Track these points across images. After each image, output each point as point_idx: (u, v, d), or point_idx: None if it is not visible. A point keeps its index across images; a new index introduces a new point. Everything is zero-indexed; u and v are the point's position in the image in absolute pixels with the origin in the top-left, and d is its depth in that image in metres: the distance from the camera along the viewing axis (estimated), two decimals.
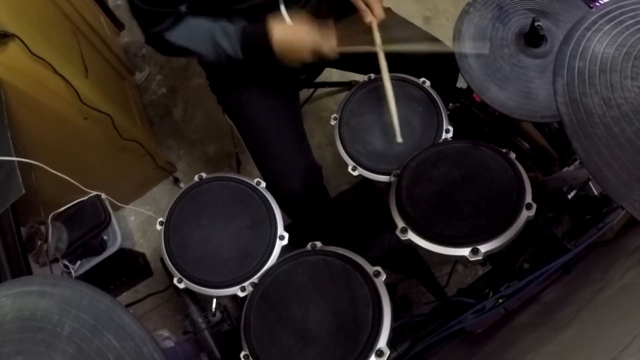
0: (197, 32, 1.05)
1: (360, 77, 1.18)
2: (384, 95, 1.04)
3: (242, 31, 1.04)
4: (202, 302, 1.08)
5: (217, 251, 0.99)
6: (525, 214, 0.84)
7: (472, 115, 1.16)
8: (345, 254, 0.90)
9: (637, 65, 0.60)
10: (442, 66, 1.17)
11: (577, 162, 0.97)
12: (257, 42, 1.03)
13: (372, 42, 1.05)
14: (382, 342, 0.78)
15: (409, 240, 0.88)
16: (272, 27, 1.02)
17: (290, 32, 1.03)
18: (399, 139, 1.02)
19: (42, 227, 1.31)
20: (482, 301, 0.92)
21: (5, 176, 0.96)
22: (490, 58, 0.98)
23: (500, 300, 0.93)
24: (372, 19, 1.06)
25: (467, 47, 0.98)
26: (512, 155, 0.93)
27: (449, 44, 1.05)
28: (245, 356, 0.84)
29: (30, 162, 1.04)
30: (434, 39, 1.22)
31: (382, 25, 1.07)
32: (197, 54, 1.08)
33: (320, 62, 1.08)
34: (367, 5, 1.06)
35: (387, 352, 0.77)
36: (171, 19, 1.03)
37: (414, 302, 1.39)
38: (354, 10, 1.09)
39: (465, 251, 0.83)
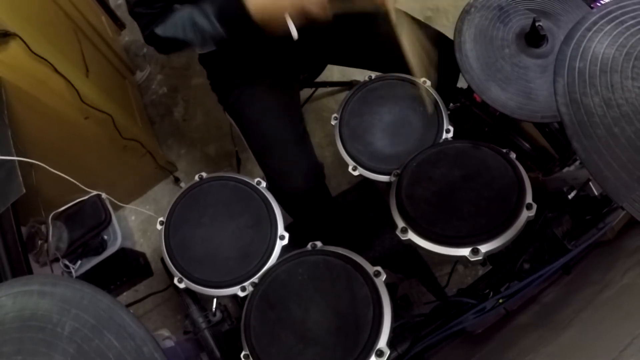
0: (180, 19, 1.01)
1: (361, 77, 1.18)
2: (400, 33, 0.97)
3: (217, 4, 0.98)
4: (203, 301, 1.08)
5: (218, 251, 0.99)
6: (525, 214, 0.84)
7: (473, 115, 1.16)
8: (345, 253, 0.90)
9: (638, 65, 0.60)
10: (443, 66, 1.17)
11: (577, 163, 0.97)
12: (232, 10, 0.97)
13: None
14: (382, 342, 0.78)
15: (409, 240, 0.88)
16: None
17: None
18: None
19: (43, 227, 1.31)
20: (483, 301, 0.92)
21: (6, 175, 0.96)
22: (491, 58, 0.98)
23: (501, 301, 0.93)
24: None
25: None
26: (513, 156, 0.93)
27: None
28: (246, 356, 0.84)
29: (31, 162, 1.04)
30: (435, 31, 1.22)
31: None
32: (186, 43, 1.03)
33: (314, 30, 0.98)
34: None
35: (387, 352, 0.76)
36: (164, 15, 1.02)
37: (414, 302, 1.39)
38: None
39: (465, 251, 0.83)
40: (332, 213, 1.47)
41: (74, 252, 1.51)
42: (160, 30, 1.02)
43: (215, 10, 0.99)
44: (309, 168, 1.20)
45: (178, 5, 1.03)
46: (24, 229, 1.29)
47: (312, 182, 1.21)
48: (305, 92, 1.87)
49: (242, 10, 0.96)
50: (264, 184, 1.06)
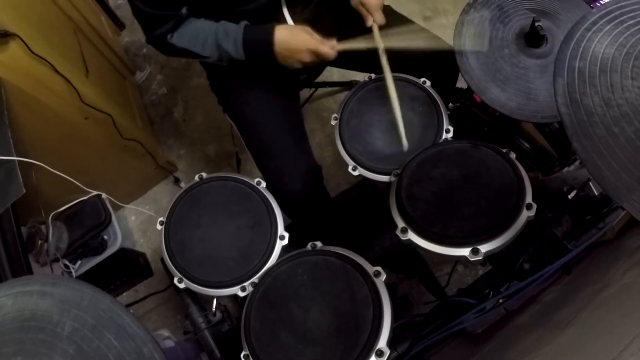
0: (199, 33, 1.08)
1: (361, 77, 1.19)
2: (388, 100, 1.05)
3: (244, 31, 1.07)
4: (203, 302, 1.08)
5: (218, 251, 0.99)
6: (525, 214, 0.84)
7: (473, 115, 1.16)
8: (345, 253, 0.90)
9: (638, 65, 0.60)
10: (442, 66, 1.17)
11: (577, 162, 0.97)
12: (259, 42, 1.07)
13: (372, 43, 1.07)
14: (382, 342, 0.78)
15: (409, 240, 0.88)
16: (274, 28, 1.05)
17: (290, 32, 1.07)
18: (405, 145, 1.03)
19: (43, 227, 1.31)
20: (483, 301, 0.92)
21: (6, 176, 0.96)
22: (491, 58, 0.98)
23: (501, 301, 0.93)
24: (373, 24, 1.09)
25: (467, 45, 1.00)
26: (512, 155, 0.93)
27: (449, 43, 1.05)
28: (246, 356, 0.84)
29: (31, 162, 1.04)
30: (434, 37, 1.22)
31: (382, 25, 1.08)
32: (200, 56, 1.10)
33: (321, 63, 1.10)
34: (368, 11, 1.09)
35: (387, 352, 0.77)
36: (173, 21, 1.06)
37: (414, 302, 1.39)
38: (354, 13, 1.12)
39: (465, 251, 0.83)
40: (330, 215, 1.47)
41: (74, 252, 1.51)
42: (173, 39, 1.08)
43: (241, 34, 1.07)
44: (306, 170, 1.20)
45: (185, 10, 1.07)
46: (24, 229, 1.30)
47: (310, 184, 1.21)
48: (305, 93, 1.87)
49: (268, 40, 1.05)
50: (263, 184, 1.06)
